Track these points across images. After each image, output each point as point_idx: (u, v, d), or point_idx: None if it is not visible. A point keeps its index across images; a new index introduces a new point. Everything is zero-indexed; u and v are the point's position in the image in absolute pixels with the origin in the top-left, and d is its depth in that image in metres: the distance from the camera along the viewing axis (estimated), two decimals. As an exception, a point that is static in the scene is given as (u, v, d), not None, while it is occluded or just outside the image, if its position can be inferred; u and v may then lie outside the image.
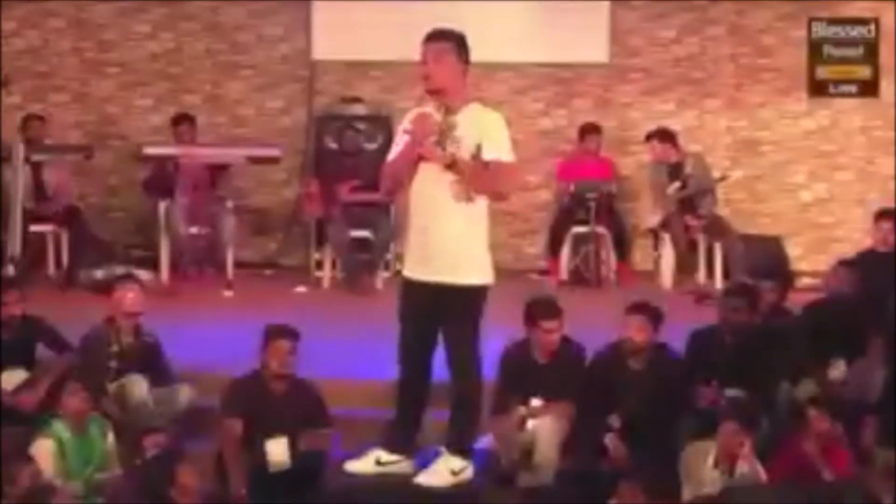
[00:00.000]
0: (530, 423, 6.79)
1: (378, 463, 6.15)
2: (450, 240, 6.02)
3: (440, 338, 6.25)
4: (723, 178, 10.85)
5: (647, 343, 6.91)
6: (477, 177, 5.96)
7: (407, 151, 6.06)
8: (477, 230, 6.10)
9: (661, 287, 10.40)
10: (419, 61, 6.15)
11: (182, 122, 11.06)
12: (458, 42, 6.11)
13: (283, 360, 6.62)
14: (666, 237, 10.61)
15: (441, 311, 6.07)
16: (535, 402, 6.85)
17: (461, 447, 6.13)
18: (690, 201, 10.60)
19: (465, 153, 5.97)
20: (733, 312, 7.28)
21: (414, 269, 6.17)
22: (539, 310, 6.91)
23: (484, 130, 6.02)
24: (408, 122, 6.22)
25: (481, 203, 6.13)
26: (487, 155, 5.98)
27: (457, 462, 6.09)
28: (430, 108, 6.17)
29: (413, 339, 6.19)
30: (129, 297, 7.40)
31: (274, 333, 6.67)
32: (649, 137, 10.90)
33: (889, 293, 7.95)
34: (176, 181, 10.39)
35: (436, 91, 6.09)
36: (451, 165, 5.91)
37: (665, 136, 10.83)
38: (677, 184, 10.61)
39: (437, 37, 6.15)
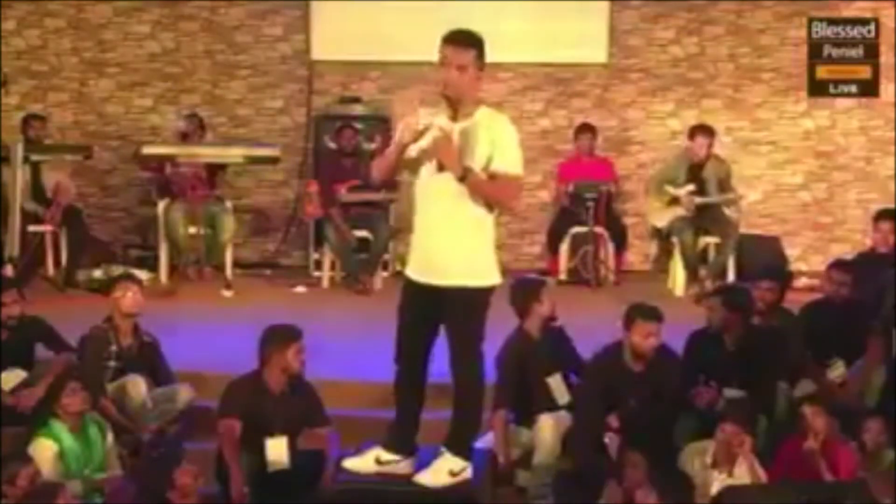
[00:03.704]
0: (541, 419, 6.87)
1: (377, 462, 6.13)
2: (454, 241, 5.98)
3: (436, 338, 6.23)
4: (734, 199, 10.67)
5: (654, 349, 6.91)
6: (485, 190, 5.91)
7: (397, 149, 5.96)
8: (482, 231, 6.05)
9: (671, 292, 10.29)
10: (438, 62, 6.01)
11: (190, 119, 11.04)
12: (479, 50, 5.98)
13: (302, 360, 6.66)
14: (675, 241, 10.46)
15: (444, 313, 6.04)
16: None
17: (461, 448, 6.11)
18: (709, 212, 10.44)
19: (476, 164, 5.91)
20: (709, 311, 7.34)
21: (416, 271, 6.13)
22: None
23: (496, 139, 5.94)
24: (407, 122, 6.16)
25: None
26: (496, 166, 5.92)
27: (456, 463, 6.07)
28: (440, 115, 6.05)
29: (411, 337, 6.16)
30: (127, 296, 7.41)
31: (292, 335, 6.67)
32: (693, 132, 10.65)
33: (888, 293, 7.95)
34: (174, 181, 10.40)
35: (453, 99, 6.01)
36: (464, 178, 5.86)
37: (709, 132, 10.62)
38: (691, 186, 10.46)
39: (462, 42, 5.93)
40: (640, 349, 6.88)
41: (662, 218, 10.51)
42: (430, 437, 6.27)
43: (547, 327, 7.19)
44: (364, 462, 6.14)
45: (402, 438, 6.14)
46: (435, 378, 6.23)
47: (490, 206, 5.98)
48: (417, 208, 6.08)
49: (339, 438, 6.74)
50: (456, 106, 5.94)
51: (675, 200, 10.42)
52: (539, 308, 7.12)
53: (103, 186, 11.76)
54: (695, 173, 10.47)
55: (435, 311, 6.00)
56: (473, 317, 5.98)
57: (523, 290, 7.22)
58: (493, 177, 5.90)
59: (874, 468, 6.52)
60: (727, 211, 10.56)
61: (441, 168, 5.86)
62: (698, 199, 10.37)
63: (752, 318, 7.43)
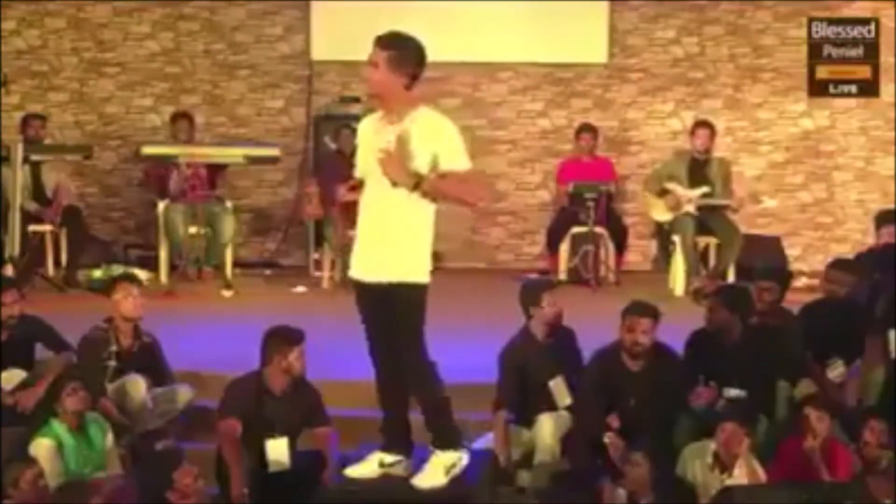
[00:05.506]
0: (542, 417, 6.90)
1: (381, 465, 6.12)
2: (392, 238, 5.95)
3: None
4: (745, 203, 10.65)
5: (651, 345, 6.91)
6: (445, 192, 5.91)
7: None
8: (421, 227, 6.00)
9: (671, 292, 10.28)
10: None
11: (180, 119, 11.06)
12: (398, 53, 5.94)
13: (304, 361, 6.66)
14: (676, 239, 10.44)
15: (388, 312, 5.99)
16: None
17: (446, 440, 6.07)
18: (714, 214, 10.42)
19: (421, 166, 5.89)
20: (709, 311, 7.33)
21: (358, 269, 6.10)
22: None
23: (437, 139, 5.92)
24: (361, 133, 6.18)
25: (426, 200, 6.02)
26: (444, 166, 5.91)
27: (448, 457, 6.03)
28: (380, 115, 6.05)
29: (375, 339, 6.14)
30: (128, 300, 7.38)
31: (295, 338, 6.67)
32: (695, 125, 10.72)
33: (887, 293, 7.94)
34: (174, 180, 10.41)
35: (373, 96, 6.05)
36: (417, 186, 5.84)
37: (709, 125, 10.65)
38: (706, 188, 10.40)
39: (379, 42, 6.03)
40: (626, 343, 6.88)
41: (664, 214, 10.49)
42: (427, 436, 6.27)
43: (554, 329, 7.17)
44: (367, 467, 6.13)
45: (398, 438, 6.14)
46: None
47: (433, 201, 5.97)
48: (361, 209, 6.09)
49: (339, 439, 6.74)
50: (384, 107, 5.96)
51: (671, 197, 10.40)
52: (539, 310, 7.11)
53: (103, 186, 11.77)
54: (698, 172, 10.46)
55: (382, 309, 5.98)
56: (413, 316, 5.95)
57: (527, 291, 7.24)
58: (443, 177, 5.90)
59: (873, 468, 6.52)
60: (731, 215, 10.55)
61: (394, 184, 5.86)
62: (704, 201, 10.34)
63: (752, 318, 7.43)
